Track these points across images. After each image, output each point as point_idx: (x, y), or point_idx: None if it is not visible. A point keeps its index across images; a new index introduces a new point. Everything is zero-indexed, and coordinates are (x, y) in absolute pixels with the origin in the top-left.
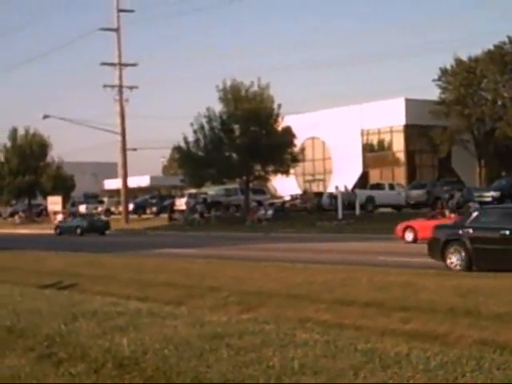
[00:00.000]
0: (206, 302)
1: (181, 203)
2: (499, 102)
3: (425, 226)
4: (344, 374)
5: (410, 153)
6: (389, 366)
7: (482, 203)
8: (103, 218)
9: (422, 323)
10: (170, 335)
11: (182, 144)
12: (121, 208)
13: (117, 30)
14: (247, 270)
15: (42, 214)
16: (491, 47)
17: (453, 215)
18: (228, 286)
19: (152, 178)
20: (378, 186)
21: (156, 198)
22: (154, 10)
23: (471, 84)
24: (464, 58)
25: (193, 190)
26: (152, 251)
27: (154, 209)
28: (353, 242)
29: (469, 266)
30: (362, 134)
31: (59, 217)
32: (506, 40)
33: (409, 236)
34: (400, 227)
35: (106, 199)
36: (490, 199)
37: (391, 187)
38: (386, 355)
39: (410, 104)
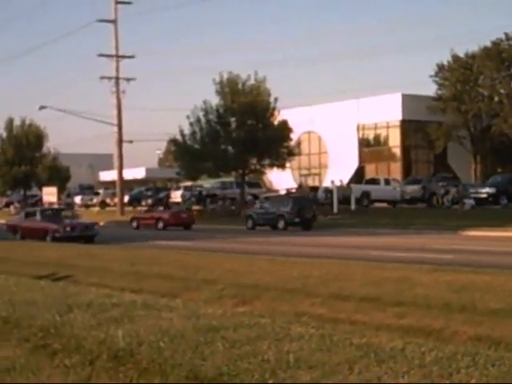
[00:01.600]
0: (201, 294)
1: (176, 196)
2: (496, 99)
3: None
4: (339, 369)
5: (405, 148)
6: (384, 360)
7: (477, 199)
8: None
9: (417, 318)
10: (165, 327)
11: (178, 137)
12: (116, 200)
13: (114, 21)
14: (243, 263)
15: (37, 204)
16: (488, 44)
17: None
18: (223, 279)
19: (148, 170)
20: (374, 181)
21: (151, 190)
22: (152, 2)
23: (468, 80)
24: (461, 54)
25: (188, 183)
26: (147, 243)
27: (150, 201)
28: (348, 236)
29: None
30: (358, 129)
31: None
32: (503, 37)
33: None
34: None
35: (101, 191)
36: (485, 195)
37: (387, 182)
38: (381, 350)
39: (407, 99)
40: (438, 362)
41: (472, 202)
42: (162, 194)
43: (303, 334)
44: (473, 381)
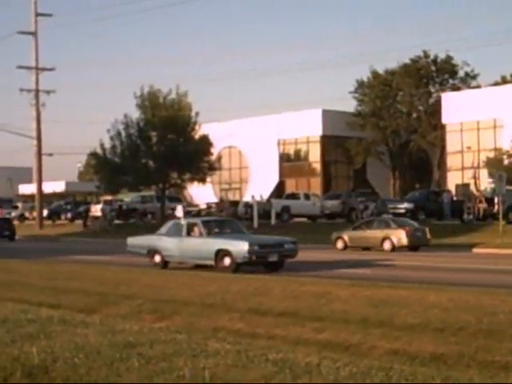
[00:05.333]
0: (119, 309)
1: (96, 209)
2: (414, 115)
3: None
4: None
5: (325, 163)
6: (299, 376)
7: (395, 214)
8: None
9: (335, 333)
10: (80, 344)
11: (99, 150)
12: (35, 213)
13: (34, 33)
14: (162, 278)
15: None
16: (407, 61)
17: None
18: (142, 294)
19: (67, 184)
20: (294, 196)
21: (71, 203)
22: (73, 15)
23: (387, 96)
24: (380, 70)
25: (108, 197)
26: (66, 258)
27: (69, 215)
28: None
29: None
30: (279, 144)
31: None
32: (422, 54)
33: None
34: None
35: (20, 204)
36: (403, 211)
37: (306, 197)
38: (296, 365)
39: (327, 115)
40: (352, 377)
41: (391, 217)
42: (81, 208)
43: (219, 350)
44: None
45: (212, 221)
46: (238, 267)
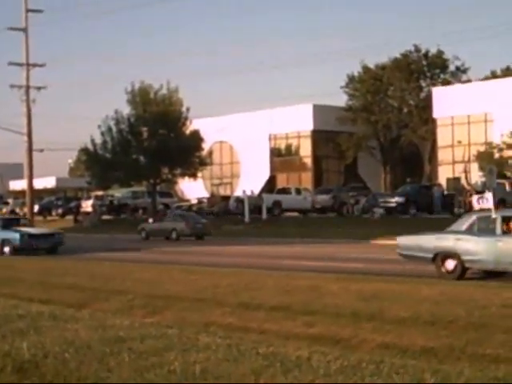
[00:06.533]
0: (111, 305)
1: (87, 205)
2: (405, 110)
3: None
4: (245, 379)
5: (316, 158)
6: (289, 369)
7: (386, 208)
8: None
9: (326, 327)
10: (71, 339)
11: (89, 146)
12: (26, 209)
13: (25, 29)
14: (153, 273)
15: None
16: (398, 55)
17: None
18: (133, 289)
19: (58, 180)
20: (285, 191)
21: (62, 199)
22: (64, 11)
23: (378, 91)
24: (371, 65)
25: (99, 192)
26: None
27: (60, 210)
28: (259, 245)
29: None
30: (270, 139)
31: None
32: (413, 48)
33: None
34: None
35: (11, 200)
36: (394, 205)
37: (298, 192)
38: (287, 359)
39: (318, 110)
40: (342, 371)
41: (381, 211)
42: (72, 204)
43: (210, 345)
44: None
45: None
46: None
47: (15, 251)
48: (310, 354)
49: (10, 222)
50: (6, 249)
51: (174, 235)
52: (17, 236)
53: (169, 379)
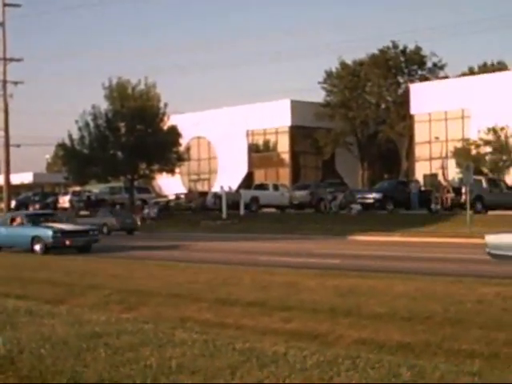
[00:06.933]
0: (87, 300)
1: (64, 201)
2: (383, 106)
3: None
4: (221, 374)
5: (294, 154)
6: (266, 365)
7: (364, 204)
8: None
9: (303, 323)
10: (47, 334)
11: (67, 141)
12: (2, 205)
13: (2, 24)
14: (129, 268)
15: None
16: (376, 51)
17: None
18: (110, 285)
19: (35, 175)
20: (263, 187)
21: (39, 195)
22: (42, 5)
23: (356, 87)
24: (349, 61)
25: (77, 188)
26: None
27: (37, 206)
28: (236, 241)
29: None
30: (248, 135)
31: None
32: (390, 45)
33: None
34: None
35: None
36: (372, 201)
37: (275, 188)
38: (263, 354)
39: (296, 106)
40: (319, 366)
41: (359, 207)
42: (49, 199)
43: (186, 340)
44: (353, 383)
45: None
46: None
47: (47, 249)
48: (286, 349)
49: (40, 217)
50: (37, 247)
51: (105, 230)
52: (49, 233)
53: (145, 374)
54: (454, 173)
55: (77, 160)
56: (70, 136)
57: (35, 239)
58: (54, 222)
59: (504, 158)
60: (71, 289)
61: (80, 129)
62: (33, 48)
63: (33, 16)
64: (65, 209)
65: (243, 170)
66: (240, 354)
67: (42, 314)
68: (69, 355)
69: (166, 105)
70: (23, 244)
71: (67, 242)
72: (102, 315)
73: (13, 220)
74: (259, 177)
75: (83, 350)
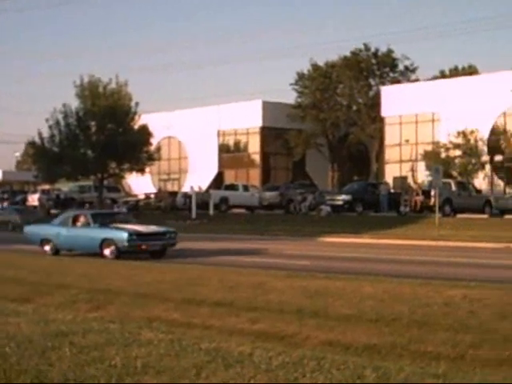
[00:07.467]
0: (54, 299)
1: (33, 199)
2: (354, 108)
3: None
4: (186, 374)
5: (265, 155)
6: (231, 365)
7: (333, 206)
8: None
9: (270, 323)
10: (12, 333)
11: (37, 139)
12: None
13: None
14: (97, 268)
15: None
16: (348, 54)
17: None
18: (77, 284)
19: (4, 173)
20: (233, 187)
21: (8, 193)
22: (12, 2)
23: (327, 89)
24: (321, 63)
25: (46, 186)
26: (1, 247)
27: (6, 204)
28: (205, 241)
29: None
30: (219, 135)
31: None
32: (362, 47)
33: None
34: None
35: None
36: (341, 202)
37: (245, 188)
38: (229, 355)
39: (267, 106)
40: (284, 367)
41: (328, 208)
42: (18, 197)
43: (152, 340)
44: None
45: None
46: None
47: (119, 254)
48: (252, 349)
49: (108, 217)
50: (107, 251)
51: (10, 227)
52: (123, 235)
53: (110, 374)
54: (423, 176)
55: (47, 158)
56: (40, 134)
57: (105, 242)
58: (122, 222)
59: (473, 161)
60: (38, 288)
61: (50, 127)
62: (3, 46)
63: (3, 14)
64: (34, 207)
65: (213, 170)
66: (206, 353)
67: (7, 313)
68: (34, 354)
69: (137, 104)
70: (89, 248)
71: (144, 247)
72: (69, 314)
73: (76, 220)
74: (229, 177)
75: (48, 348)
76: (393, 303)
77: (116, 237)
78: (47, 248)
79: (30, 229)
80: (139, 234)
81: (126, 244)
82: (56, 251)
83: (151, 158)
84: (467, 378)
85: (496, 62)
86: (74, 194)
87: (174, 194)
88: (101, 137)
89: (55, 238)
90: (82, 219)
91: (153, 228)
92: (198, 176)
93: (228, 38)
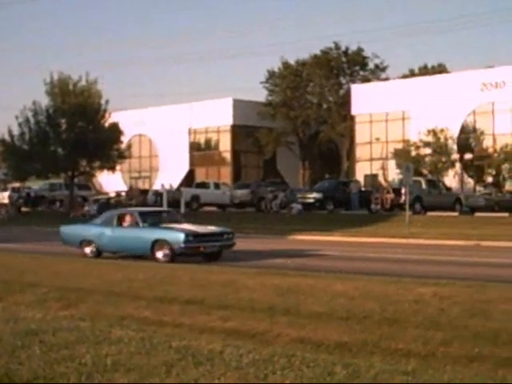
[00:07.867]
0: (25, 297)
1: (4, 197)
2: (324, 106)
3: None
4: (156, 371)
5: (236, 153)
6: (201, 363)
7: (304, 204)
8: None
9: (241, 321)
10: None
11: (7, 137)
12: None
13: None
14: (68, 266)
15: None
16: (318, 52)
17: None
18: (48, 282)
19: None
20: (204, 185)
21: None
22: None
23: (298, 87)
24: (291, 61)
25: (16, 184)
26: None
27: None
28: None
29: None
30: (190, 133)
31: None
32: (333, 45)
33: None
34: None
35: None
36: (312, 200)
37: (216, 186)
38: (199, 352)
39: (238, 105)
40: (254, 364)
41: (299, 206)
42: None
43: (123, 337)
44: (287, 381)
45: None
46: None
47: (174, 256)
48: (222, 347)
49: (157, 216)
50: (160, 253)
51: None
52: (180, 236)
53: (80, 372)
54: (394, 174)
55: (16, 156)
56: (10, 132)
57: (158, 244)
58: (172, 221)
59: (443, 159)
60: (9, 286)
61: (20, 124)
62: None
63: None
64: (4, 205)
65: (184, 168)
66: (176, 351)
67: None
68: (3, 353)
69: (107, 102)
70: (139, 250)
71: (201, 249)
72: (39, 312)
73: (121, 219)
74: (200, 175)
75: (18, 347)
76: (364, 301)
77: (171, 238)
78: (87, 250)
79: (67, 229)
80: (196, 235)
81: (182, 246)
82: (98, 253)
83: (122, 155)
84: (437, 375)
85: (465, 60)
86: (44, 192)
87: (144, 191)
88: (71, 134)
89: (98, 239)
90: (128, 218)
91: (210, 228)
92: (169, 174)
93: (200, 36)
